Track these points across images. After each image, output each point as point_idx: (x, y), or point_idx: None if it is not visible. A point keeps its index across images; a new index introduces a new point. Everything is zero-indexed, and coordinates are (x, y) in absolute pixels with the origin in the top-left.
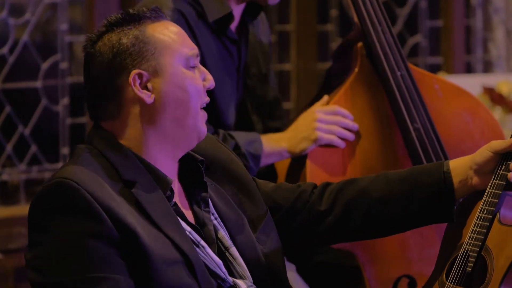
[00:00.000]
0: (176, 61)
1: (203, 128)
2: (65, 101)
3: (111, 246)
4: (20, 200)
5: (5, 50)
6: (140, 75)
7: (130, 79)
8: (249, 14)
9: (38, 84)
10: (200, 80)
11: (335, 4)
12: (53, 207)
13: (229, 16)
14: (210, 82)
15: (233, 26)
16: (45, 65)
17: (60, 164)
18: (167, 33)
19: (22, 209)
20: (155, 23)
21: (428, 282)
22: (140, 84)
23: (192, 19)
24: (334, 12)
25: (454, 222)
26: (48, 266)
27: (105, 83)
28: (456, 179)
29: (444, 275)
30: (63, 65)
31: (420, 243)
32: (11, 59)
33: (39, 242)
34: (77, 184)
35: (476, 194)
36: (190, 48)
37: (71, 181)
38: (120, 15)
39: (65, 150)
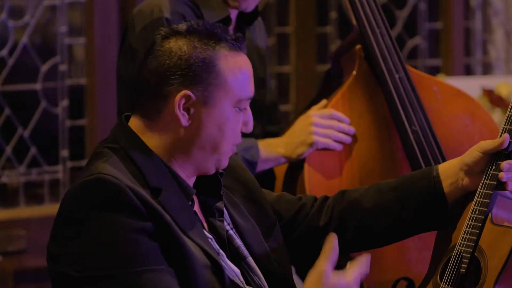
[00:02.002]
0: (227, 100)
1: (225, 163)
2: (64, 103)
3: (153, 240)
4: (19, 203)
5: (4, 52)
6: (187, 97)
7: (178, 96)
8: (245, 19)
9: (38, 86)
10: (241, 123)
11: (334, 6)
12: (95, 201)
13: (227, 20)
14: (249, 128)
15: (230, 30)
16: (44, 67)
17: (59, 167)
18: (235, 71)
19: (21, 211)
20: (231, 53)
21: (422, 284)
22: (184, 104)
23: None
24: (333, 14)
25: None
26: (90, 261)
27: (157, 84)
28: (446, 182)
29: (438, 277)
30: (63, 67)
31: (418, 246)
32: (11, 61)
33: (76, 236)
34: (117, 179)
35: (466, 195)
36: (247, 92)
37: (111, 176)
38: (204, 26)
39: (64, 153)
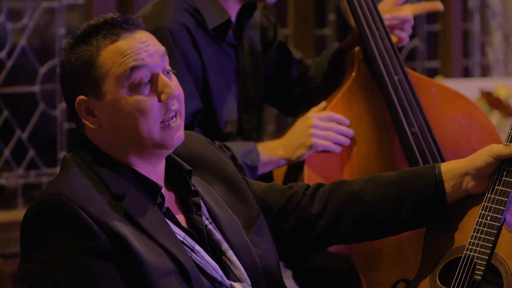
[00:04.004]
0: (118, 87)
1: (168, 140)
2: (62, 105)
3: (107, 261)
4: (18, 205)
5: (3, 54)
6: (82, 101)
7: (76, 105)
8: (244, 14)
9: (36, 88)
10: (150, 99)
11: (333, 8)
12: (46, 224)
13: (228, 23)
14: (168, 94)
15: (230, 32)
16: (42, 70)
17: (57, 169)
18: (114, 58)
19: (20, 213)
20: (108, 42)
21: (414, 282)
22: (84, 108)
23: (193, 29)
24: (332, 16)
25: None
26: (43, 284)
27: (67, 99)
28: (449, 183)
29: (437, 278)
30: None
31: (417, 248)
32: (9, 64)
33: (32, 258)
34: (69, 200)
35: (468, 197)
36: (134, 70)
37: (63, 197)
38: (82, 29)
39: (62, 155)
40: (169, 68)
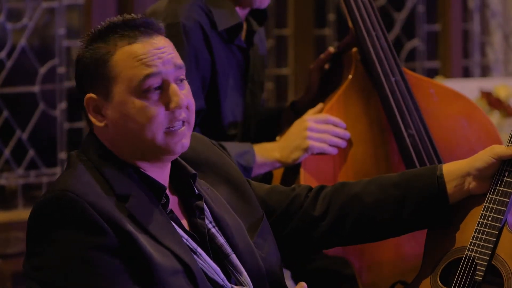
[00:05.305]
0: (126, 91)
1: (171, 145)
2: (62, 105)
3: (115, 257)
4: (18, 205)
5: (2, 54)
6: (91, 99)
7: (84, 102)
8: (255, 21)
9: (36, 88)
10: (157, 106)
11: (332, 8)
12: (54, 219)
13: (239, 26)
14: (176, 103)
15: (241, 34)
16: (42, 70)
17: (57, 169)
18: (127, 60)
19: (20, 213)
20: (124, 44)
21: (414, 282)
22: (93, 106)
23: (207, 28)
24: (331, 16)
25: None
26: (50, 279)
27: (79, 93)
28: (451, 184)
29: (438, 279)
30: (61, 70)
31: (415, 250)
32: (9, 64)
33: (40, 253)
34: (77, 196)
35: (470, 197)
36: (145, 76)
37: (71, 192)
38: (101, 26)
39: (62, 155)
40: (183, 77)
